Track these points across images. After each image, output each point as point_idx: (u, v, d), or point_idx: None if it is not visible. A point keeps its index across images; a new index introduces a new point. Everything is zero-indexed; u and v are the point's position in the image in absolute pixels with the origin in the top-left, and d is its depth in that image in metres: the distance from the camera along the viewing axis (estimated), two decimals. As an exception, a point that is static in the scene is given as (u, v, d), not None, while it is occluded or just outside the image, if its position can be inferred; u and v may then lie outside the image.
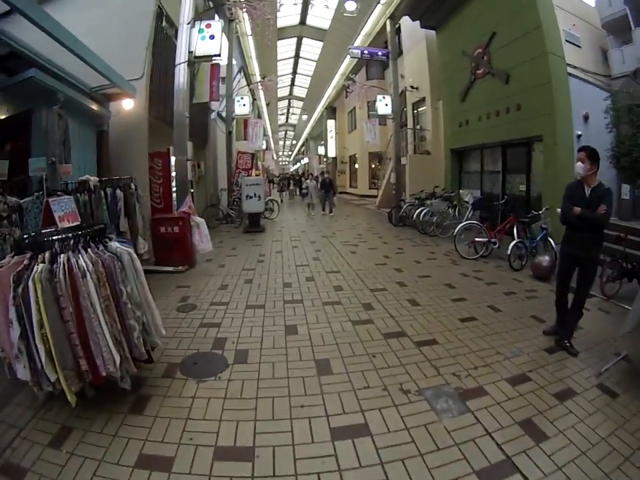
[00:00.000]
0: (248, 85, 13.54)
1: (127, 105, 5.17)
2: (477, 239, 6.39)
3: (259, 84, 14.37)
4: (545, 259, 5.15)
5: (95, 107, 5.12)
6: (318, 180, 14.69)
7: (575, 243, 3.01)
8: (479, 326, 3.46)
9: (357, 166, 21.72)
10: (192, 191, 5.86)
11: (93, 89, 5.11)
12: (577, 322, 3.16)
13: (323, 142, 27.37)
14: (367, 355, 2.90)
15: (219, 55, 5.92)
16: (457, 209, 8.93)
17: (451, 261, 6.23)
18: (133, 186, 4.01)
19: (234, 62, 13.00)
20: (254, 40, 14.76)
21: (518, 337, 3.25)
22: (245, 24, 13.36)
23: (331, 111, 25.02)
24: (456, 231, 6.55)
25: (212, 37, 5.89)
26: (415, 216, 9.10)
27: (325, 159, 26.40)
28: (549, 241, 5.63)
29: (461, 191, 9.90)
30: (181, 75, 5.93)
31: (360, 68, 17.24)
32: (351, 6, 11.51)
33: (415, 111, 13.79)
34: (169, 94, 6.15)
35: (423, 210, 8.87)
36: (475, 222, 6.66)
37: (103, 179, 4.39)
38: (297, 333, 3.26)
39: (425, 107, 12.91)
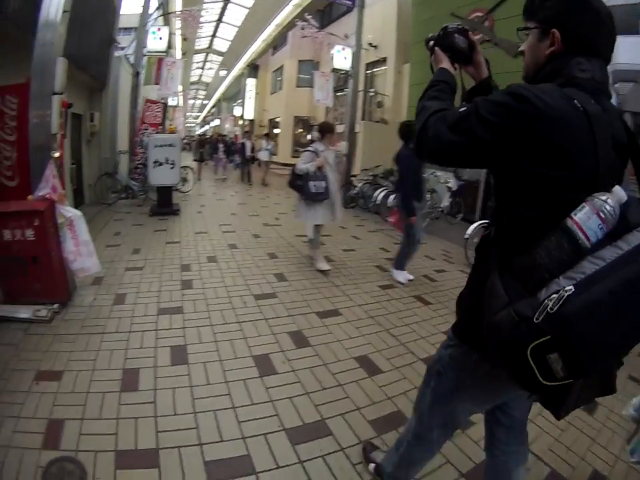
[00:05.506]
0: (166, 14, 10.06)
1: None
2: None
3: (179, 18, 10.75)
4: None
5: None
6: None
7: None
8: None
9: (277, 131, 18.56)
10: (56, 155, 3.19)
11: None
12: None
13: (238, 102, 23.86)
14: None
15: None
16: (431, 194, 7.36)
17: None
18: None
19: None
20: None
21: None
22: None
23: (252, 69, 21.63)
24: (469, 232, 4.66)
25: None
26: (379, 199, 7.34)
27: (241, 121, 22.83)
28: None
29: (438, 172, 8.47)
30: None
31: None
32: None
33: (369, 72, 11.83)
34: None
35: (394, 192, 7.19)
36: (485, 221, 4.95)
37: None
38: None
39: (385, 68, 11.05)
